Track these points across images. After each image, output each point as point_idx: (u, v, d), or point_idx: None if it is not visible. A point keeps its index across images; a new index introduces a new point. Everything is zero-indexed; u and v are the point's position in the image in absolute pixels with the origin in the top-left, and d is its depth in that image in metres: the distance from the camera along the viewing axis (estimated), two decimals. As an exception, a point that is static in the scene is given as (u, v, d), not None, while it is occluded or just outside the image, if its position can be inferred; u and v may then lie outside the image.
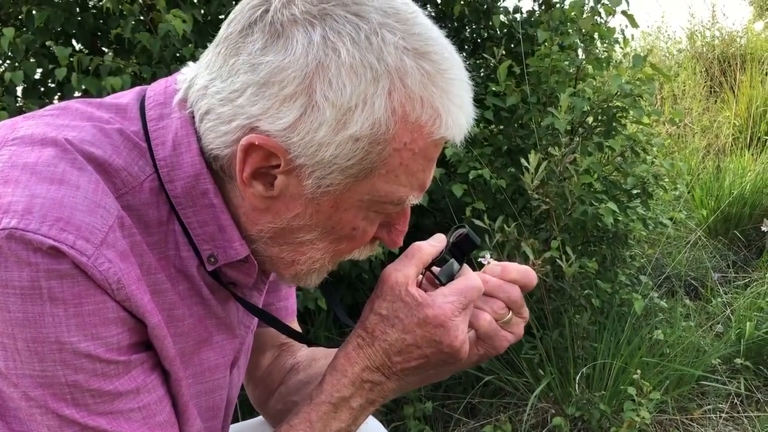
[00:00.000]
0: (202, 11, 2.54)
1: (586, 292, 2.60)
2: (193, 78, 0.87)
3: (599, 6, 2.78)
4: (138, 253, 0.84)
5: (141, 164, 0.86)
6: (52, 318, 0.77)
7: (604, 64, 2.86)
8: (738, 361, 2.91)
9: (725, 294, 3.54)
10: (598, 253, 2.84)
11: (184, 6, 2.40)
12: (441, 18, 3.08)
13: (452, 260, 0.97)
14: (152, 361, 0.88)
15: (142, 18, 2.40)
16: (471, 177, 2.55)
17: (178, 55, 2.39)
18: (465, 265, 0.98)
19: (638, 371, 2.47)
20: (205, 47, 0.89)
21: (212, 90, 0.83)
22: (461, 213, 2.62)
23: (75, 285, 0.77)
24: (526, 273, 0.98)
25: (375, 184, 0.84)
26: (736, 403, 2.81)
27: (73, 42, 2.55)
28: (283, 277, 0.96)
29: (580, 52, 2.95)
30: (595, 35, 2.94)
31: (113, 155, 0.84)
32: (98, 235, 0.78)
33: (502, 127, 2.86)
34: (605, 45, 3.09)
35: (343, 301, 2.66)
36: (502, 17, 2.96)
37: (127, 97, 0.93)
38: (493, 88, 2.65)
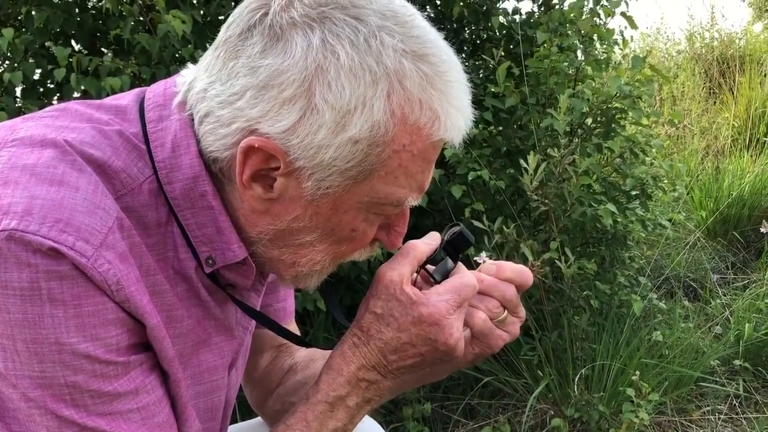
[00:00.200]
0: (202, 12, 2.53)
1: (585, 293, 2.60)
2: (193, 81, 0.87)
3: (598, 7, 2.78)
4: (137, 255, 0.84)
5: (140, 166, 0.86)
6: (52, 319, 0.77)
7: (604, 66, 2.87)
8: (737, 362, 2.91)
9: (724, 295, 3.54)
10: (597, 255, 2.83)
11: (183, 7, 2.39)
12: (440, 19, 3.07)
13: (447, 258, 0.97)
14: (151, 362, 0.88)
15: (141, 19, 2.40)
16: (470, 178, 2.55)
17: (177, 55, 2.38)
18: (460, 263, 0.98)
19: (637, 372, 2.46)
20: (205, 48, 0.89)
21: (211, 93, 0.83)
22: (460, 214, 2.62)
23: (74, 286, 0.77)
24: (521, 272, 0.98)
25: (374, 185, 0.84)
26: (734, 405, 2.81)
27: (73, 43, 2.54)
28: (284, 279, 0.96)
29: (579, 53, 2.95)
30: (595, 36, 2.94)
31: (112, 157, 0.84)
32: (98, 236, 0.78)
33: (501, 128, 2.85)
34: (604, 46, 3.09)
35: (342, 302, 2.65)
36: (501, 18, 2.96)
37: (127, 98, 0.93)
38: (492, 90, 2.65)
